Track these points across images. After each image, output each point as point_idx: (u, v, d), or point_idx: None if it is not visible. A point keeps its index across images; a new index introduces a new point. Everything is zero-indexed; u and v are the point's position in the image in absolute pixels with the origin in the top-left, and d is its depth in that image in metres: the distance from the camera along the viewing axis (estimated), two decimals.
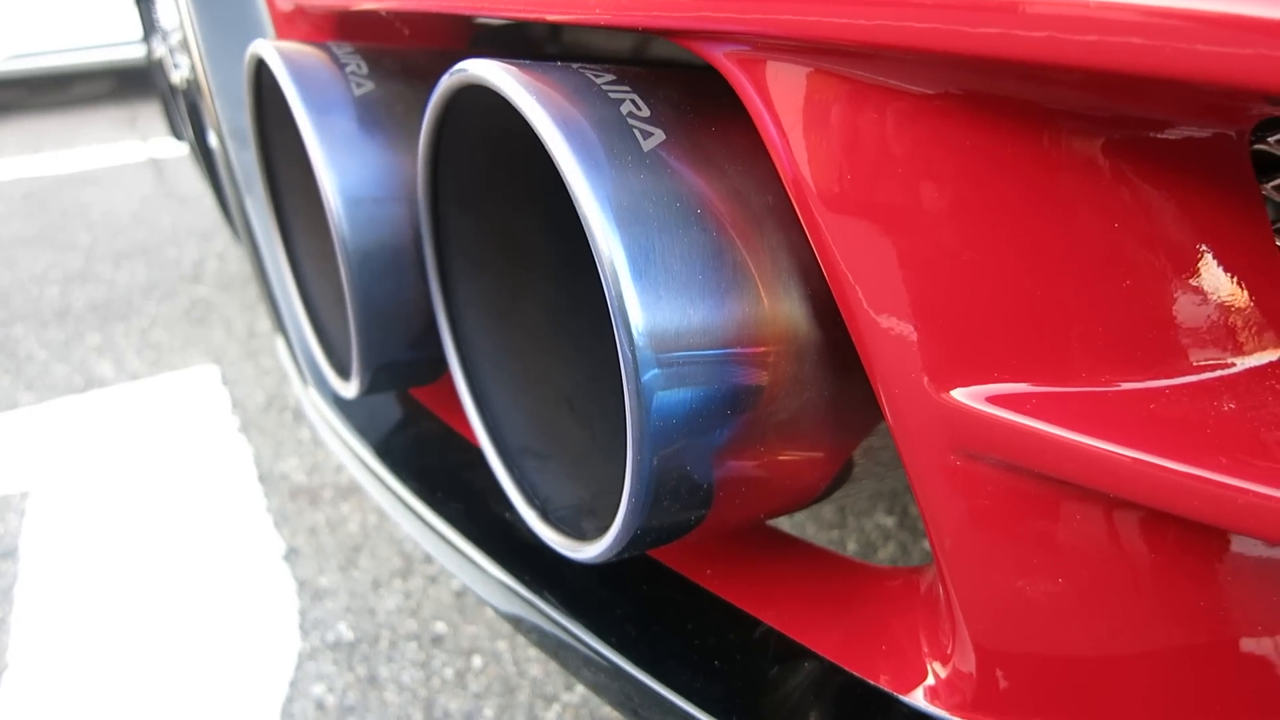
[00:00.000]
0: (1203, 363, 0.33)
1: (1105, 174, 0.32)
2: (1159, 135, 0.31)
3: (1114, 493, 0.33)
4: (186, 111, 1.15)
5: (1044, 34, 0.27)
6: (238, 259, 2.80)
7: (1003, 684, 0.39)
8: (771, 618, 0.46)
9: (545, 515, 0.47)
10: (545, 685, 1.09)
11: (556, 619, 0.49)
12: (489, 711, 1.05)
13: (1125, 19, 0.25)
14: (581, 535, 0.45)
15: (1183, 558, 0.34)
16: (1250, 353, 0.33)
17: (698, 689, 0.44)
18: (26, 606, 1.25)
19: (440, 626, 1.19)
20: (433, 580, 1.28)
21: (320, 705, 1.06)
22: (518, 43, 0.74)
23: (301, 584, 1.28)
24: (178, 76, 1.16)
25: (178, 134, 1.95)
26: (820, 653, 0.44)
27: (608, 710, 1.05)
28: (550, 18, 0.40)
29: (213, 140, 0.78)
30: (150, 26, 1.79)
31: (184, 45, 0.77)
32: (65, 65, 5.79)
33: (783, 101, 0.34)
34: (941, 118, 0.32)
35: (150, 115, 5.55)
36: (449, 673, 1.11)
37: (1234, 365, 0.33)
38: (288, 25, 0.74)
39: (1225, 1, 0.24)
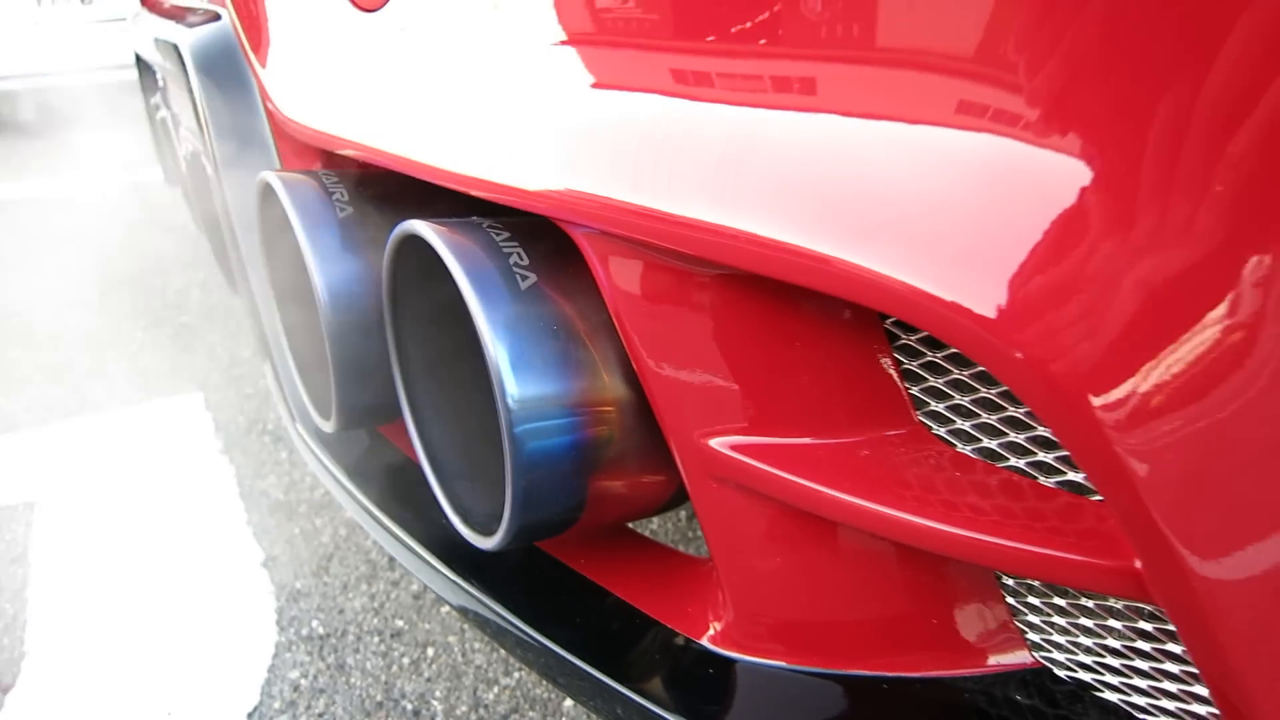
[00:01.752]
0: (851, 429, 0.55)
1: (790, 313, 0.54)
2: (817, 294, 0.53)
3: (800, 506, 0.54)
4: (191, 177, 1.36)
5: (729, 248, 0.48)
6: (219, 289, 2.97)
7: (753, 629, 0.60)
8: (619, 591, 0.67)
9: (466, 519, 0.68)
10: (488, 671, 1.29)
11: (473, 593, 0.70)
12: (439, 692, 1.25)
13: (775, 253, 0.47)
14: (490, 534, 0.66)
15: (845, 546, 0.55)
16: (873, 427, 0.55)
17: (567, 639, 0.65)
18: (38, 604, 1.43)
19: (400, 623, 1.39)
20: (395, 584, 1.47)
21: (296, 687, 1.26)
22: None
23: (279, 587, 1.47)
24: (186, 149, 1.36)
25: (170, 181, 2.15)
26: (649, 614, 0.65)
27: (539, 692, 1.25)
28: (474, 193, 0.61)
29: (223, 223, 0.98)
30: (152, 85, 1.99)
31: (205, 150, 0.98)
32: (46, 87, 5.94)
33: (607, 259, 0.56)
34: (689, 276, 0.53)
35: (131, 140, 5.71)
36: (406, 661, 1.31)
37: (867, 433, 0.55)
38: (284, 136, 0.95)
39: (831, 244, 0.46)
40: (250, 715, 1.20)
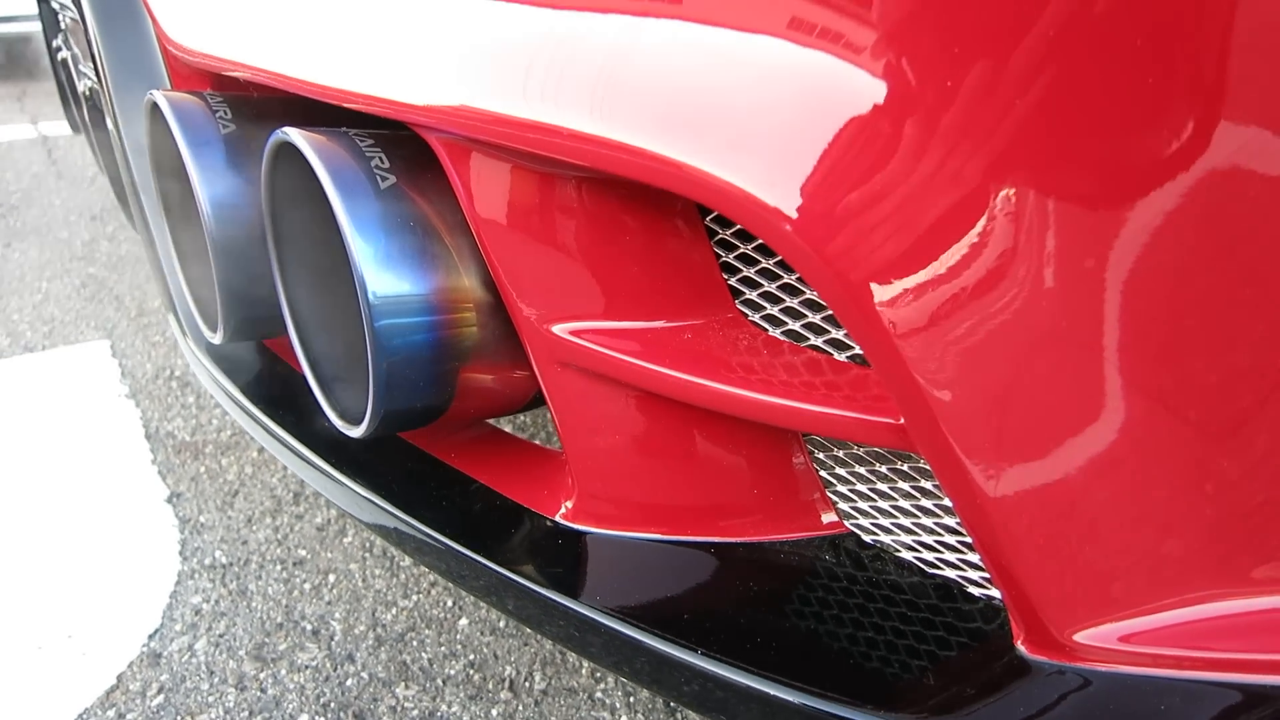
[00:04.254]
0: (678, 315, 0.61)
1: (625, 210, 0.60)
2: (646, 192, 0.59)
3: (634, 384, 0.60)
4: (89, 117, 1.37)
5: (569, 148, 0.54)
6: (128, 241, 2.93)
7: (598, 505, 0.66)
8: (484, 478, 0.73)
9: (342, 415, 0.73)
10: (387, 595, 1.34)
11: (349, 485, 0.75)
12: (338, 614, 1.30)
13: (593, 149, 0.53)
14: (360, 423, 0.71)
15: (673, 425, 0.62)
16: (697, 314, 0.61)
17: (434, 520, 0.71)
18: None
19: (302, 553, 1.43)
20: (299, 518, 1.51)
21: (197, 611, 1.30)
22: None
23: (183, 521, 1.50)
24: (84, 85, 1.37)
25: (75, 127, 2.13)
26: (509, 496, 0.71)
27: (436, 613, 1.31)
28: (341, 104, 0.66)
29: (116, 152, 1.01)
30: (54, 26, 1.96)
31: (100, 80, 1.00)
32: None
33: (459, 162, 0.61)
34: (535, 176, 0.59)
35: (38, 93, 5.54)
36: (307, 587, 1.35)
37: (692, 319, 0.61)
38: (174, 62, 0.98)
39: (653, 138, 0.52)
40: (151, 636, 1.24)
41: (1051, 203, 0.45)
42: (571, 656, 1.25)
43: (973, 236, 0.47)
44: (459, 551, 0.66)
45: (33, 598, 1.30)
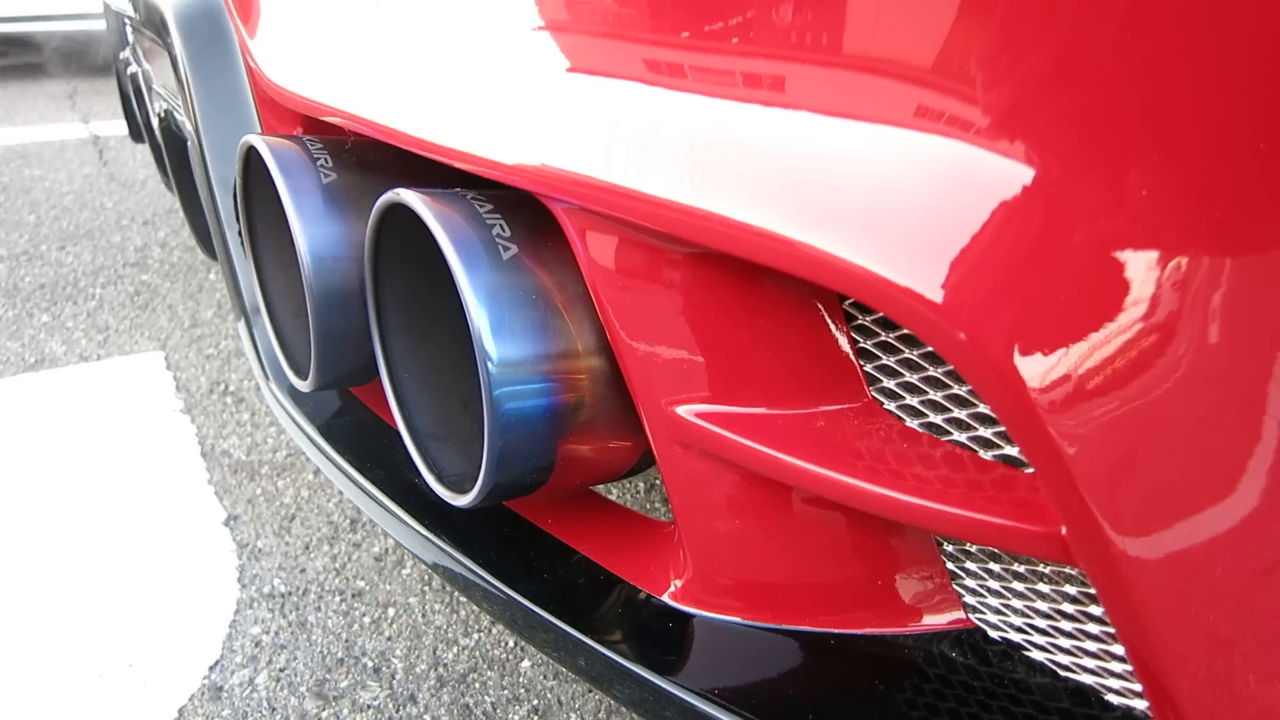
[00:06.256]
0: (809, 402, 0.59)
1: (756, 291, 0.57)
2: (786, 278, 0.57)
3: (760, 471, 0.58)
4: (163, 138, 1.36)
5: (702, 229, 0.52)
6: (180, 248, 2.94)
7: (711, 587, 0.64)
8: (584, 549, 0.71)
9: (440, 479, 0.71)
10: (447, 632, 1.32)
11: (445, 549, 0.73)
12: (399, 651, 1.28)
13: (729, 231, 0.50)
14: (464, 492, 0.69)
15: (798, 511, 0.59)
16: (830, 401, 0.59)
17: (534, 592, 0.68)
18: None
19: (361, 584, 1.41)
20: (356, 546, 1.50)
21: (257, 642, 1.28)
22: None
23: (241, 546, 1.49)
24: (159, 106, 1.36)
25: (136, 137, 2.13)
26: (612, 570, 0.69)
27: (497, 653, 1.29)
28: (458, 165, 0.64)
29: (200, 184, 1.00)
30: (121, 40, 1.97)
31: (186, 111, 0.99)
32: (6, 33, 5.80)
33: (585, 234, 0.59)
34: (663, 253, 0.57)
35: (89, 92, 5.60)
36: (367, 620, 1.34)
37: (824, 406, 0.59)
38: (266, 101, 0.97)
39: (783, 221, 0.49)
40: (212, 668, 1.23)
41: (1251, 284, 0.42)
42: None
43: (1152, 328, 0.43)
44: (572, 635, 0.63)
45: (93, 621, 1.29)
